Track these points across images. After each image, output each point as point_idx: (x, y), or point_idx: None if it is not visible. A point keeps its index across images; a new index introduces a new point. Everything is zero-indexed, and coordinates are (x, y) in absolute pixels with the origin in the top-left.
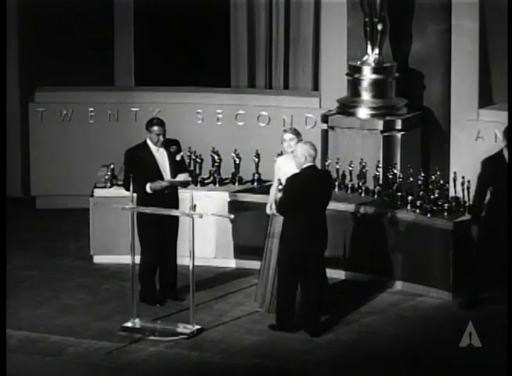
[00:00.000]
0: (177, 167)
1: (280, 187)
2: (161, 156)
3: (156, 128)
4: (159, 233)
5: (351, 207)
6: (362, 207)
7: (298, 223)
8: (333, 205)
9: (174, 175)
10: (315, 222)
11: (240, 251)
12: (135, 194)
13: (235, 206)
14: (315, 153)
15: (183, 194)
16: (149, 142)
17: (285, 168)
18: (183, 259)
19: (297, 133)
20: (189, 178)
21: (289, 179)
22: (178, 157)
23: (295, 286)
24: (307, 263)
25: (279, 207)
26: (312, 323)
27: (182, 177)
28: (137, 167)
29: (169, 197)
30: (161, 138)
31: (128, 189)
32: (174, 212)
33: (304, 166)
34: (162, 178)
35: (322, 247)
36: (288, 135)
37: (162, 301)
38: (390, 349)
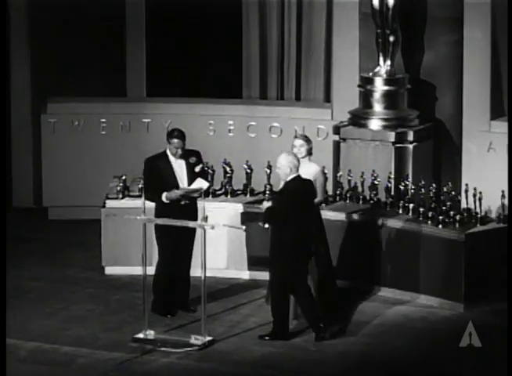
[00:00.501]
0: (195, 178)
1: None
2: (179, 166)
3: (175, 140)
4: (175, 245)
5: (362, 218)
6: (374, 218)
7: (288, 235)
8: (345, 216)
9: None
10: (305, 232)
11: (252, 263)
12: (149, 204)
13: (247, 217)
14: (298, 164)
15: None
16: (168, 152)
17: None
18: (195, 270)
19: (307, 140)
20: (204, 185)
21: (279, 194)
22: (197, 169)
23: (288, 297)
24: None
25: (269, 217)
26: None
27: (196, 183)
28: (155, 176)
29: (187, 208)
30: (180, 151)
31: (149, 199)
32: (186, 223)
33: (290, 177)
34: (178, 188)
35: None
36: (298, 142)
37: (173, 313)
38: (400, 361)
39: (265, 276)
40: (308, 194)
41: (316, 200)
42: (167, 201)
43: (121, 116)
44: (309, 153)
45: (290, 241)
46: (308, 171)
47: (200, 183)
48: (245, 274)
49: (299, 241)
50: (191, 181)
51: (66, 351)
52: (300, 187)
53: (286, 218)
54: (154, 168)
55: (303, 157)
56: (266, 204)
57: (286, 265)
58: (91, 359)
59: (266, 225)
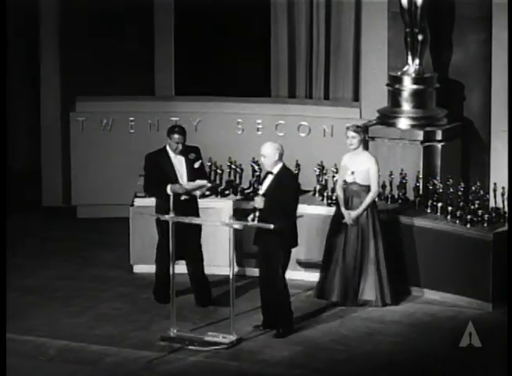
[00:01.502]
0: (195, 174)
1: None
2: (179, 162)
3: (176, 136)
4: (177, 241)
5: (391, 218)
6: (402, 217)
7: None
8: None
9: (191, 181)
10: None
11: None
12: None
13: None
14: (283, 152)
15: (221, 204)
16: (168, 148)
17: (352, 166)
18: (222, 269)
19: (359, 131)
20: (208, 184)
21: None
22: (196, 165)
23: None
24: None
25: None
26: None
27: (199, 182)
28: (155, 172)
29: (189, 205)
30: (180, 146)
31: (149, 193)
32: (216, 223)
33: (277, 167)
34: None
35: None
36: (350, 133)
37: (168, 301)
38: (428, 361)
39: (293, 275)
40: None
41: (371, 193)
42: (171, 193)
43: (150, 114)
44: (362, 143)
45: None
46: (361, 160)
47: (203, 182)
48: None
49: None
50: (191, 176)
51: (94, 349)
52: (293, 176)
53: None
54: (155, 164)
55: (355, 149)
56: (259, 200)
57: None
58: (120, 357)
59: (271, 226)
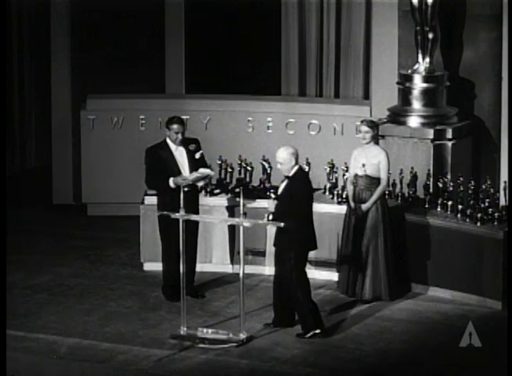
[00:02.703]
0: (196, 165)
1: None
2: (180, 154)
3: (175, 126)
4: (178, 237)
5: (402, 215)
6: (412, 215)
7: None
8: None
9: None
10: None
11: None
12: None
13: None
14: (298, 154)
15: (229, 202)
16: (168, 140)
17: (363, 159)
18: (228, 266)
19: (372, 126)
20: (212, 173)
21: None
22: (197, 156)
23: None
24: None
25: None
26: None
27: (202, 170)
28: (156, 165)
29: (190, 201)
30: (180, 136)
31: (150, 187)
32: (225, 221)
33: (294, 170)
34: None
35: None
36: (364, 128)
37: (177, 298)
38: (439, 360)
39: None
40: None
41: (380, 186)
42: (174, 186)
43: (160, 112)
44: (374, 138)
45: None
46: (372, 154)
47: (206, 171)
48: None
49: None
50: (192, 168)
51: (105, 347)
52: (307, 178)
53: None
54: (156, 157)
55: (367, 143)
56: (271, 203)
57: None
58: (130, 355)
59: (282, 224)
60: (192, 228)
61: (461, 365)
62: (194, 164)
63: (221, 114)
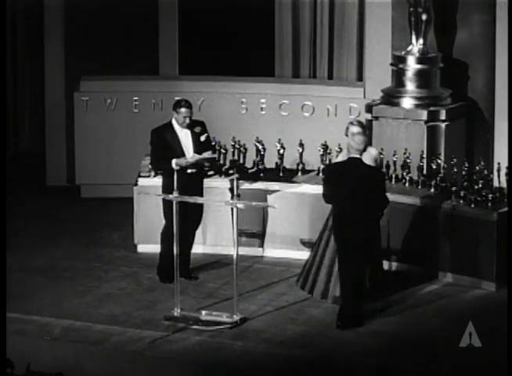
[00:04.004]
0: (201, 148)
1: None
2: (185, 136)
3: (183, 109)
4: (182, 219)
5: (395, 198)
6: (406, 197)
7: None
8: None
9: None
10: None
11: (283, 241)
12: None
13: (278, 195)
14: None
15: (224, 184)
16: (174, 122)
17: None
18: (226, 248)
19: (364, 127)
20: (215, 155)
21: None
22: (202, 138)
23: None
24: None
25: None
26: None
27: (206, 154)
28: (161, 146)
29: (194, 183)
30: (187, 120)
31: (156, 168)
32: (218, 202)
33: (351, 156)
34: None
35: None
36: (355, 128)
37: (172, 280)
38: (433, 340)
39: (296, 255)
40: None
41: None
42: (177, 167)
43: (154, 94)
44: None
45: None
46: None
47: (210, 154)
48: (275, 253)
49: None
50: (197, 150)
51: (99, 329)
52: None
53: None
54: (161, 139)
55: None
56: None
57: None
58: (124, 337)
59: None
60: (195, 211)
61: (455, 344)
62: (199, 147)
63: (214, 96)
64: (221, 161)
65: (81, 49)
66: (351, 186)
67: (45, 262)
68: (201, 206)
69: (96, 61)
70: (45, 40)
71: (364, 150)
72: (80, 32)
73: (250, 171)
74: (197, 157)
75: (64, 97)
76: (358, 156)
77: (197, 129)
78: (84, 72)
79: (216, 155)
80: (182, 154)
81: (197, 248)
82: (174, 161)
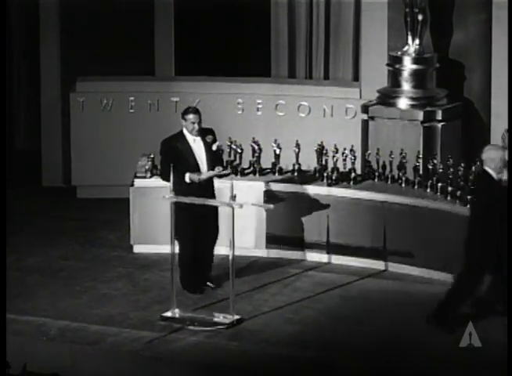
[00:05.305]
0: (213, 157)
1: None
2: (198, 146)
3: (191, 115)
4: (195, 223)
5: (391, 199)
6: (402, 197)
7: None
8: (372, 196)
9: (211, 165)
10: None
11: (279, 242)
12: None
13: (275, 196)
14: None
15: (223, 184)
16: (185, 131)
17: None
18: (221, 249)
19: None
20: (228, 171)
21: None
22: (214, 147)
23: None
24: None
25: None
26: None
27: (219, 170)
28: (174, 157)
29: (205, 187)
30: (196, 126)
31: (166, 180)
32: (213, 202)
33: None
34: (199, 169)
35: None
36: None
37: (201, 290)
38: (432, 340)
39: (293, 255)
40: None
41: None
42: (189, 182)
43: (150, 94)
44: None
45: None
46: None
47: (222, 170)
48: (272, 253)
49: None
50: (210, 160)
51: (95, 329)
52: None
53: None
54: (173, 150)
55: None
56: None
57: None
58: (120, 337)
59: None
60: (209, 215)
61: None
62: (211, 156)
63: (210, 96)
64: (237, 161)
65: (76, 50)
66: None
67: (40, 262)
68: (216, 221)
69: (92, 61)
70: (40, 40)
71: None
72: (76, 32)
73: (246, 171)
74: (211, 173)
75: (60, 97)
76: None
77: (209, 139)
78: (80, 72)
79: (229, 171)
80: (195, 165)
81: None
82: (187, 176)
